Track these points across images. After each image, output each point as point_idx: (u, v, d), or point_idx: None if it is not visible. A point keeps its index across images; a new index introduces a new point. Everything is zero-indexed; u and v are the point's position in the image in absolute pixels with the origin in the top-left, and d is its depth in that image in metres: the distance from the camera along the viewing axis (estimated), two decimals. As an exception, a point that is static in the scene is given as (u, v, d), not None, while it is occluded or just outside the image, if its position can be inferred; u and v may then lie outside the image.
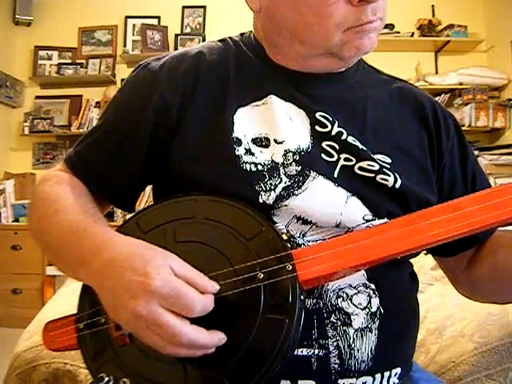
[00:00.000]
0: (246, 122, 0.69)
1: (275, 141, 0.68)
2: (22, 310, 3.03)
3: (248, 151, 0.67)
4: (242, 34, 0.80)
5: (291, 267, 0.57)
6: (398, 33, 3.51)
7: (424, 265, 1.17)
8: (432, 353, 0.94)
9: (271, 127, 0.68)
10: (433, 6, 3.67)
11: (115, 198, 0.75)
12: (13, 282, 3.19)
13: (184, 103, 0.69)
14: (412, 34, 3.56)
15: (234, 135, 0.68)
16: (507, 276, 0.71)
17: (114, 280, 0.53)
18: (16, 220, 3.42)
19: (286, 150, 0.67)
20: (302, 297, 0.56)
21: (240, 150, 0.67)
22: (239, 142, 0.67)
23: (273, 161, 0.67)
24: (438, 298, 1.10)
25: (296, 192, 0.66)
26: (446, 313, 1.02)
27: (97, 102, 3.70)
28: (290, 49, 0.71)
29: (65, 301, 1.10)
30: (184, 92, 0.70)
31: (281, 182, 0.66)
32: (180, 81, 0.70)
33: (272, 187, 0.65)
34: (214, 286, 0.55)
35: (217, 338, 0.53)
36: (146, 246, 0.57)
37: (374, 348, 0.64)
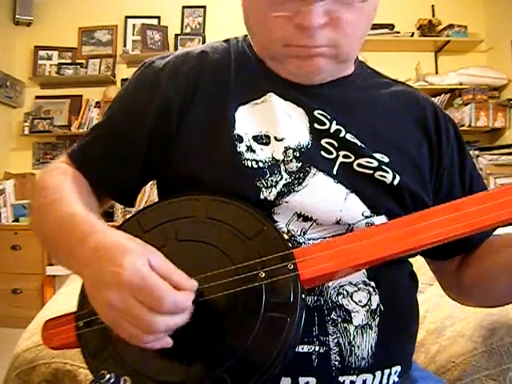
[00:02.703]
0: (247, 120, 0.69)
1: (275, 138, 0.68)
2: (22, 309, 3.03)
3: (249, 148, 0.68)
4: (246, 35, 0.80)
5: (292, 266, 0.57)
6: (398, 33, 3.51)
7: (424, 265, 1.16)
8: (432, 353, 0.94)
9: (271, 125, 0.69)
10: (433, 6, 3.67)
11: (116, 193, 0.76)
12: (13, 282, 3.19)
13: (186, 102, 0.70)
14: (412, 34, 3.55)
15: (235, 132, 0.68)
16: (495, 281, 0.71)
17: (92, 269, 0.53)
18: (16, 220, 3.42)
19: (286, 147, 0.68)
20: (303, 296, 0.57)
21: (241, 147, 0.67)
22: (241, 139, 0.68)
23: (273, 158, 0.67)
24: (437, 298, 1.10)
25: (297, 188, 0.66)
26: (445, 313, 1.02)
27: (97, 102, 3.70)
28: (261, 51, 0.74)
29: (65, 301, 1.10)
30: (186, 91, 0.71)
31: (281, 178, 0.66)
32: (182, 80, 0.71)
33: (273, 184, 0.66)
34: (192, 284, 0.54)
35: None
36: (127, 237, 0.56)
37: (374, 345, 0.64)
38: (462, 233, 0.60)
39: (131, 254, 0.52)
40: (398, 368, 0.67)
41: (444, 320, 1.00)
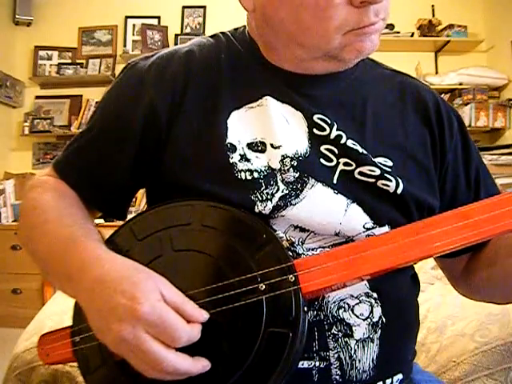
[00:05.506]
0: (241, 126, 0.65)
1: (272, 145, 0.65)
2: (22, 309, 3.02)
3: (243, 157, 0.64)
4: (236, 29, 0.75)
5: (294, 278, 0.55)
6: (398, 33, 3.51)
7: (424, 264, 1.17)
8: (432, 352, 0.93)
9: (267, 131, 0.65)
10: (433, 6, 3.67)
11: (104, 205, 0.72)
12: (13, 282, 3.18)
13: (174, 107, 0.66)
14: (412, 34, 3.55)
15: (227, 141, 0.64)
16: (505, 279, 0.69)
17: (101, 301, 0.51)
18: (16, 220, 3.42)
19: (283, 156, 0.64)
20: (305, 309, 0.55)
21: (234, 157, 0.64)
22: (233, 149, 0.64)
23: (269, 167, 0.64)
24: (438, 297, 1.10)
25: (293, 202, 0.63)
26: (446, 312, 1.02)
27: (97, 102, 3.68)
28: (286, 51, 0.67)
29: (65, 301, 1.10)
30: (173, 95, 0.66)
31: (278, 190, 0.63)
32: (169, 83, 0.67)
33: (269, 197, 0.63)
34: (203, 315, 0.53)
35: (200, 365, 0.52)
36: (135, 266, 0.55)
37: (375, 358, 0.62)
38: (470, 241, 0.57)
39: (143, 287, 0.51)
40: (399, 376, 0.66)
41: (445, 319, 0.99)
